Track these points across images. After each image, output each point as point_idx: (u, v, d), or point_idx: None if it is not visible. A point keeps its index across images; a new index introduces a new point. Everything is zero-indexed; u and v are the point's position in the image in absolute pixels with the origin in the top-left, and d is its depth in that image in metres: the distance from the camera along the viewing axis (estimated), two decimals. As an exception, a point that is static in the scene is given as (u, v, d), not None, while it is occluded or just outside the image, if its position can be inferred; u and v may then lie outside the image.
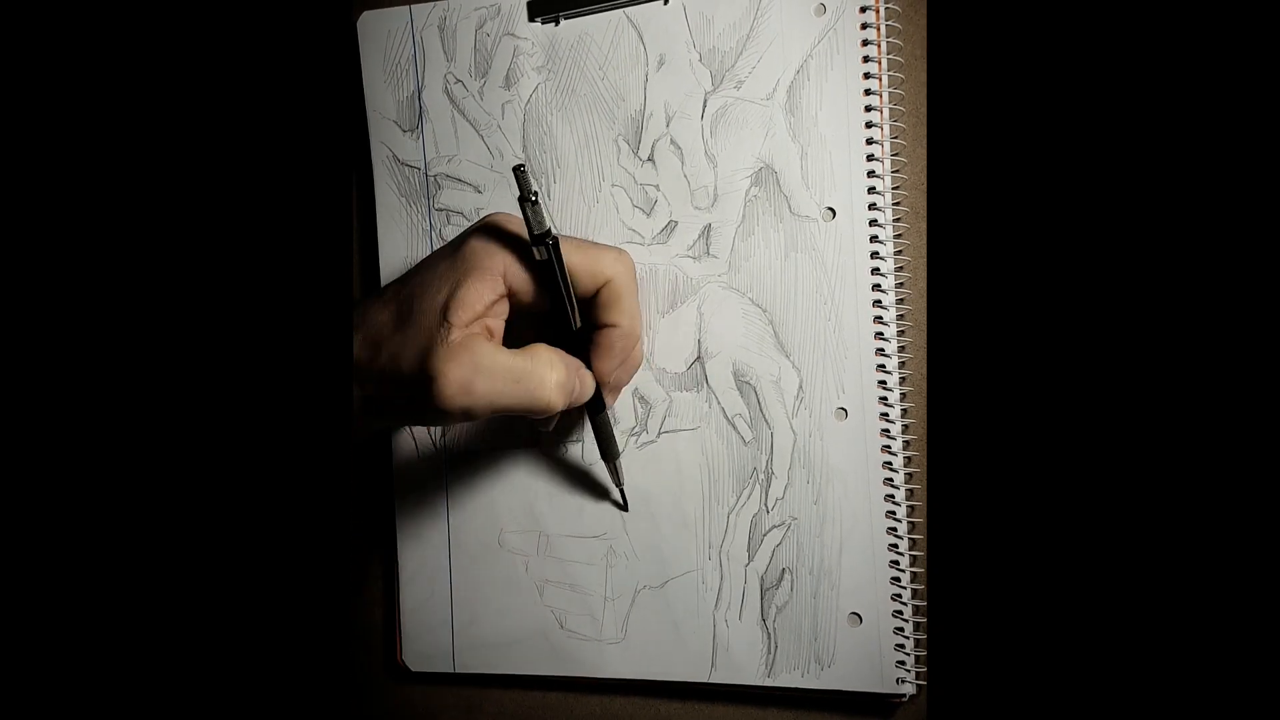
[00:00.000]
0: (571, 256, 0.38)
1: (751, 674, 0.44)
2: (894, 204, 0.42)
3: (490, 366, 0.36)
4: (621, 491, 0.45)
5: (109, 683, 0.29)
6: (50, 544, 0.29)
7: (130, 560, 0.29)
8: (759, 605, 0.44)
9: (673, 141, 0.45)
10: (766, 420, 0.44)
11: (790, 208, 0.43)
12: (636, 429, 0.46)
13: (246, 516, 0.31)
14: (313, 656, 0.32)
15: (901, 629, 0.42)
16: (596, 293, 0.40)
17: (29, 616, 0.28)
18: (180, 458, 0.30)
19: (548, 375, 0.37)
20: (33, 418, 0.29)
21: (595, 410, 0.42)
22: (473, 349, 0.36)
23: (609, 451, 0.43)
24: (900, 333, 0.42)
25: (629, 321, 0.40)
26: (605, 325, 0.40)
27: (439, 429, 0.48)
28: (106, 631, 0.29)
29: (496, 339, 0.38)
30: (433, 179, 0.49)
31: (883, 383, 0.42)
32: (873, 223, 0.42)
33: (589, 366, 0.41)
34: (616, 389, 0.43)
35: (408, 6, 0.48)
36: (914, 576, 0.42)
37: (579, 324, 0.39)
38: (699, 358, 0.45)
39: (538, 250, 0.37)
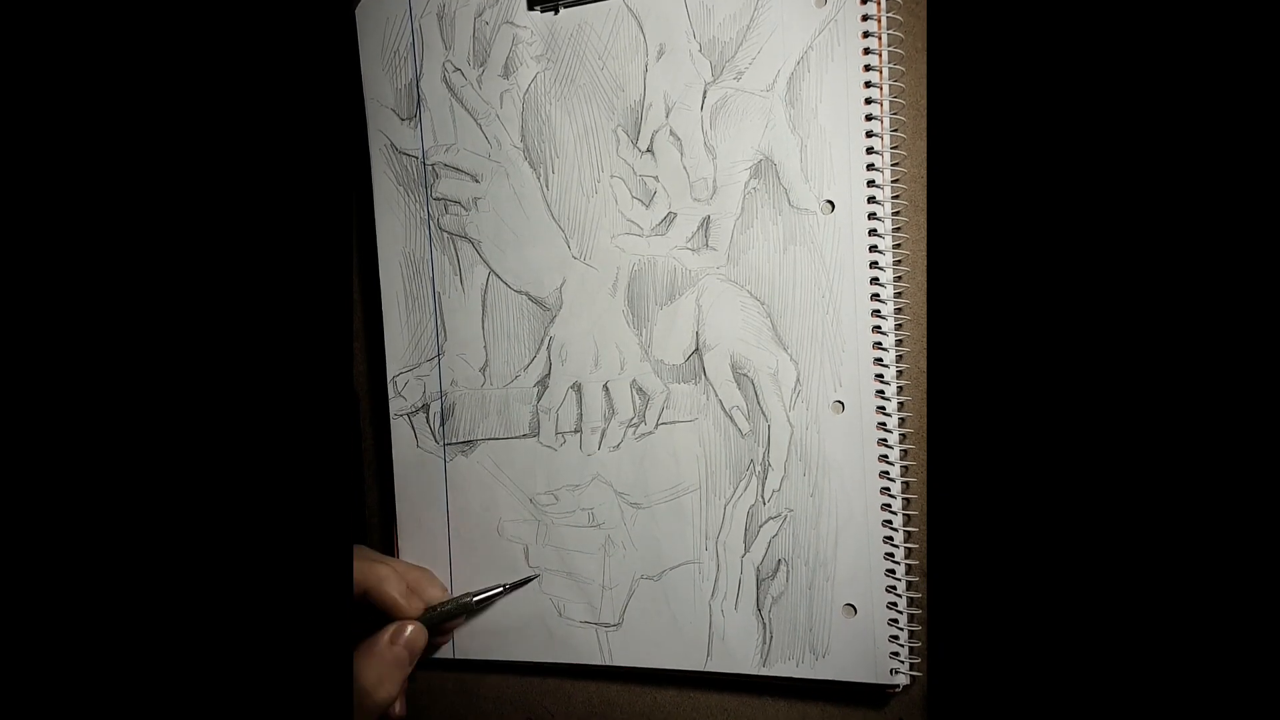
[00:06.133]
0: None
1: (747, 663, 0.45)
2: (893, 198, 0.42)
3: None
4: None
5: (110, 677, 0.29)
6: (57, 540, 0.29)
7: (134, 553, 0.30)
8: (755, 596, 0.44)
9: (672, 132, 0.44)
10: (764, 412, 0.44)
11: (789, 200, 0.43)
12: (634, 420, 0.46)
13: (250, 509, 0.31)
14: (314, 645, 0.32)
15: (896, 620, 0.42)
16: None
17: (38, 617, 0.28)
18: (182, 446, 0.30)
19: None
20: (34, 419, 0.29)
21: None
22: None
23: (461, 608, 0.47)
24: (898, 326, 0.42)
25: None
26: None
27: (437, 418, 0.49)
28: (109, 627, 0.29)
29: None
30: (430, 168, 0.48)
31: (880, 376, 0.42)
32: (872, 216, 0.42)
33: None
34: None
35: (406, -7, 0.48)
36: (909, 569, 0.42)
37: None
38: (697, 350, 0.45)
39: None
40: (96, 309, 0.30)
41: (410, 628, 0.45)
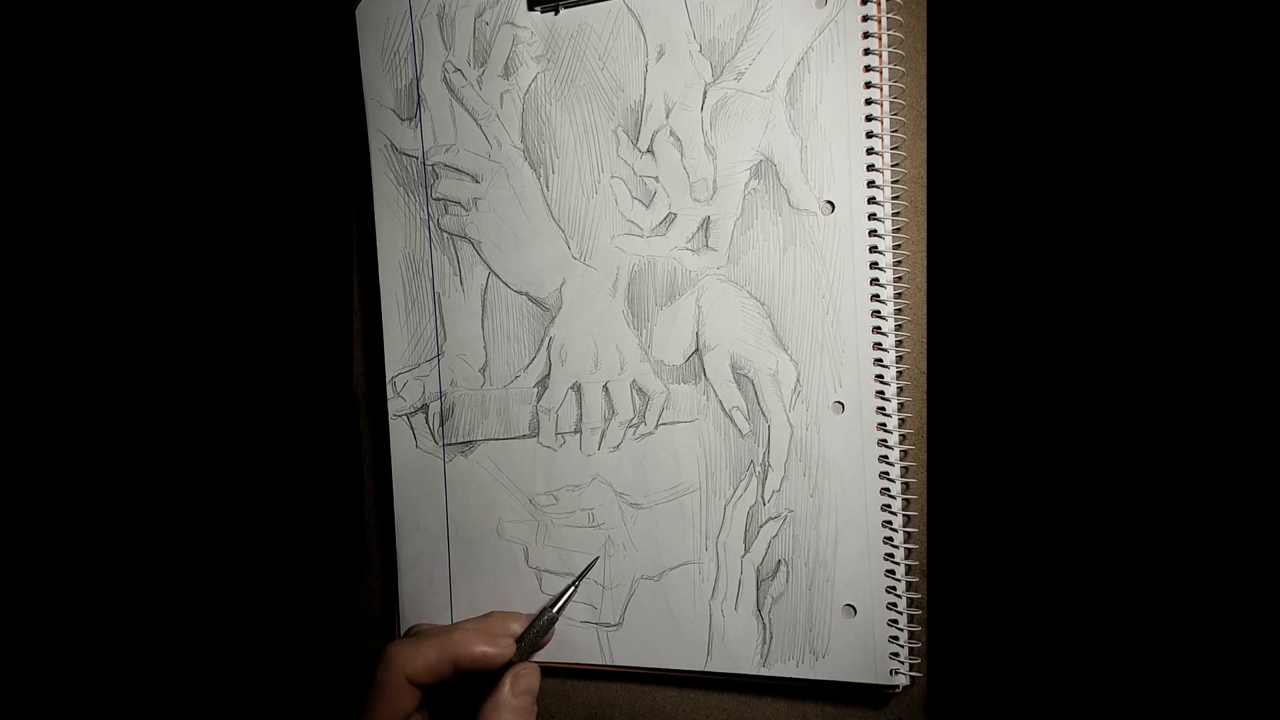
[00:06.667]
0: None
1: (747, 663, 0.45)
2: (893, 198, 0.42)
3: None
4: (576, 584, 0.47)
5: (113, 664, 0.29)
6: (69, 534, 0.29)
7: (132, 552, 0.30)
8: (755, 596, 0.44)
9: (672, 133, 0.44)
10: (764, 413, 0.44)
11: (789, 201, 0.43)
12: (634, 421, 0.46)
13: (250, 511, 0.31)
14: (315, 644, 0.32)
15: (896, 621, 0.42)
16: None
17: (51, 609, 0.28)
18: (182, 446, 0.30)
19: None
20: (41, 418, 0.29)
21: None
22: None
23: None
24: (898, 327, 0.42)
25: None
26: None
27: (437, 419, 0.49)
28: (114, 619, 0.29)
29: None
30: (430, 168, 0.48)
31: (880, 377, 0.42)
32: (871, 217, 0.42)
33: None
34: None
35: (406, -6, 0.48)
36: (909, 569, 0.42)
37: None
38: (697, 350, 0.45)
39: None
40: (96, 311, 0.30)
41: (524, 672, 0.44)
